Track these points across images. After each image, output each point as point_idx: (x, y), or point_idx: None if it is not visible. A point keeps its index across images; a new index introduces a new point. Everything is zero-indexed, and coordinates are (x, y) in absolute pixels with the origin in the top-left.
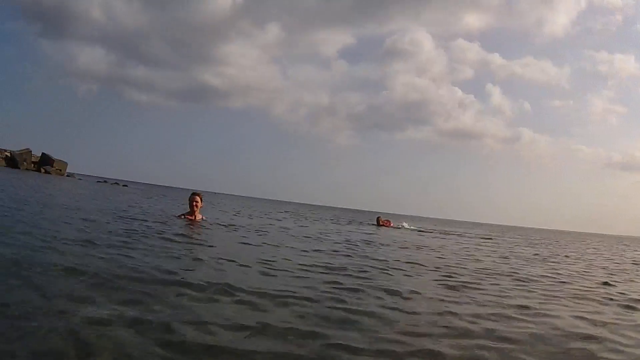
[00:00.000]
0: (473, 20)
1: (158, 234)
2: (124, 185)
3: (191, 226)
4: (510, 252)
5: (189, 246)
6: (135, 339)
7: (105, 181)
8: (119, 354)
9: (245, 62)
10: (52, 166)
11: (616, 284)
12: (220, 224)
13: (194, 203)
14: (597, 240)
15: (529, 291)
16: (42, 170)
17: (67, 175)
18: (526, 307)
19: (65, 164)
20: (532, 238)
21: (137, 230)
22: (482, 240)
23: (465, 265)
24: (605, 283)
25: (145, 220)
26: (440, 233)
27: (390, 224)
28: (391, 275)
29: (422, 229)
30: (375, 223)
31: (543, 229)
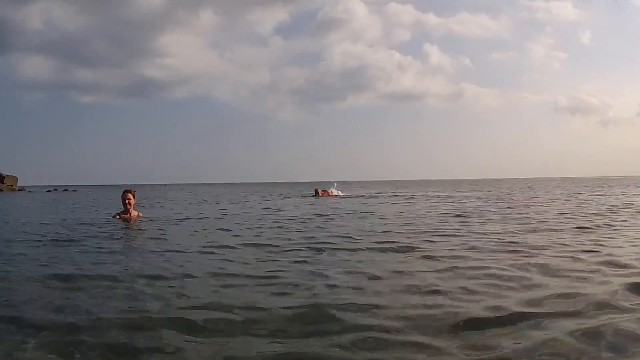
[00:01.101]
0: None
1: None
2: (73, 191)
3: (122, 226)
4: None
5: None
6: None
7: (55, 189)
8: None
9: (184, 50)
10: (3, 182)
11: None
12: (154, 220)
13: (127, 201)
14: (554, 184)
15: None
16: None
17: (19, 190)
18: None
19: (16, 178)
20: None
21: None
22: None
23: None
24: None
25: (79, 225)
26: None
27: (329, 194)
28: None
29: (348, 195)
30: (314, 194)
31: (500, 179)
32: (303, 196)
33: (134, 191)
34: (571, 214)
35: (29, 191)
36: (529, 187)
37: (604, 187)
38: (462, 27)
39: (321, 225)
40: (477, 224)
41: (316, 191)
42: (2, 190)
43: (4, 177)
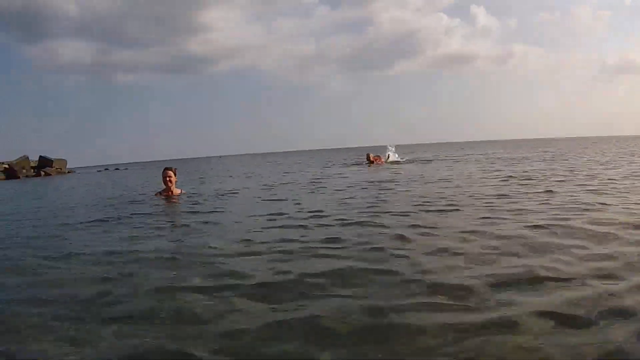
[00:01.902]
0: None
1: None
2: (125, 169)
3: (163, 204)
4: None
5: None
6: None
7: (106, 169)
8: None
9: (227, 25)
10: (52, 167)
11: None
12: (196, 195)
13: (167, 178)
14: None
15: None
16: (43, 173)
17: (68, 172)
18: None
19: (65, 161)
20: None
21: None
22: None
23: None
24: None
25: (121, 204)
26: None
27: (381, 161)
28: None
29: (405, 159)
30: (366, 160)
31: (553, 139)
32: (354, 163)
33: (175, 168)
34: None
35: (79, 173)
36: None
37: None
38: None
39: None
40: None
41: (367, 157)
42: (50, 175)
43: (52, 161)
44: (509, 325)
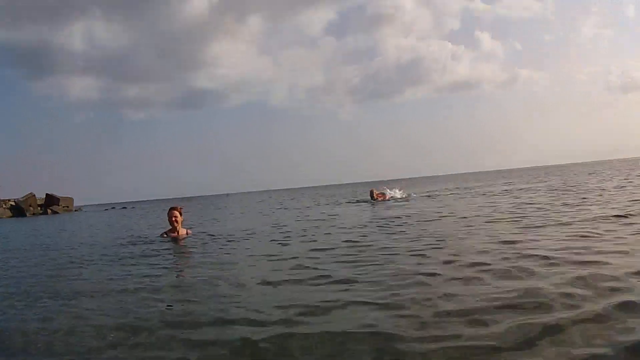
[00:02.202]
0: None
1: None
2: (132, 208)
3: (169, 245)
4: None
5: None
6: None
7: (113, 208)
8: None
9: (235, 59)
10: (59, 205)
11: None
12: (205, 235)
13: (173, 218)
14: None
15: None
16: (49, 211)
17: (75, 210)
18: None
19: (71, 199)
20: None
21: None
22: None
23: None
24: None
25: (123, 245)
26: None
27: (386, 197)
28: None
29: (413, 195)
30: (370, 197)
31: (561, 165)
32: (358, 201)
33: (181, 208)
34: None
35: (86, 211)
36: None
37: None
38: (509, 10)
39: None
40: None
41: (371, 193)
42: (57, 213)
43: (59, 199)
44: None
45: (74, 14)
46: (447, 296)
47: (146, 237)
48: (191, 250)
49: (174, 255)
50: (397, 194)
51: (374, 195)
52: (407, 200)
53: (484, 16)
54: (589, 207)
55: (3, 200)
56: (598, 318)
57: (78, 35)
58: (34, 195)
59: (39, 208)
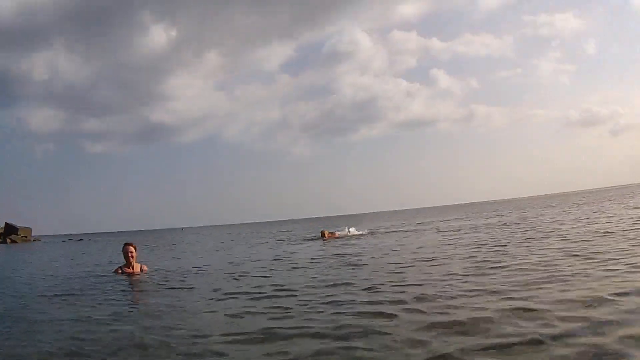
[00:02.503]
0: (407, 9)
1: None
2: (88, 240)
3: (124, 280)
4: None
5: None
6: None
7: (70, 239)
8: None
9: (191, 93)
10: (17, 234)
11: None
12: (159, 273)
13: (129, 254)
14: (577, 199)
15: None
16: (8, 241)
17: (34, 240)
18: None
19: (29, 229)
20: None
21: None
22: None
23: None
24: None
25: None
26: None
27: (335, 235)
28: None
29: (365, 232)
30: (321, 236)
31: (516, 199)
32: (310, 239)
33: (134, 245)
34: None
35: (44, 242)
36: (550, 206)
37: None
38: (467, 48)
39: None
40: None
41: (322, 234)
42: (16, 242)
43: (17, 229)
44: None
45: (36, 43)
46: None
47: (103, 273)
48: (144, 287)
49: (124, 292)
50: (348, 232)
51: (325, 235)
52: (358, 238)
53: (441, 54)
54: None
55: None
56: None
57: (40, 64)
58: None
59: None
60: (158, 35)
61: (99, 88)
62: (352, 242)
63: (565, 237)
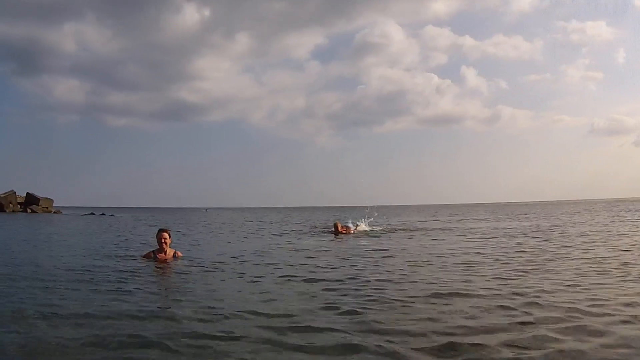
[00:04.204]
0: (440, 5)
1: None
2: (110, 215)
3: (155, 270)
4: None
5: None
6: None
7: (92, 213)
8: None
9: (219, 74)
10: (38, 205)
11: None
12: (189, 258)
13: (163, 240)
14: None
15: None
16: (29, 210)
17: (55, 212)
18: None
19: (51, 200)
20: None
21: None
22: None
23: None
24: None
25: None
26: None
27: (350, 231)
28: None
29: (375, 229)
30: (333, 230)
31: (536, 202)
32: (322, 232)
33: (169, 231)
34: None
35: (65, 214)
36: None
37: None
38: (497, 49)
39: None
40: None
41: (335, 227)
42: (37, 212)
43: (39, 199)
44: None
45: (67, 15)
46: None
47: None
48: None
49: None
50: (363, 226)
51: (339, 228)
52: (369, 235)
53: (472, 53)
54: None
55: None
56: None
57: (69, 36)
58: (15, 193)
59: (18, 206)
60: (190, 14)
61: (126, 63)
62: (371, 244)
63: None
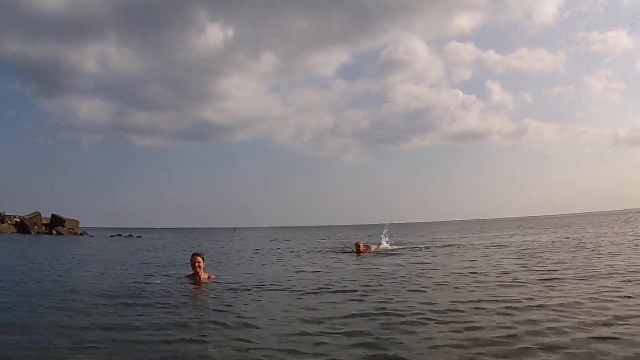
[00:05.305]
0: (463, 21)
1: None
2: (138, 237)
3: (191, 290)
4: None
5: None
6: None
7: (119, 234)
8: None
9: (244, 94)
10: (64, 226)
11: None
12: (224, 283)
13: (196, 264)
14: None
15: None
16: (54, 232)
17: (80, 234)
18: None
19: (77, 222)
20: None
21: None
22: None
23: None
24: None
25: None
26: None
27: (371, 249)
28: None
29: (399, 246)
30: (355, 250)
31: (564, 215)
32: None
33: (202, 255)
34: None
35: (91, 235)
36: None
37: None
38: (521, 62)
39: None
40: None
41: (357, 246)
42: (62, 234)
43: (64, 221)
44: None
45: (89, 35)
46: None
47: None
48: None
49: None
50: (384, 244)
51: (360, 248)
52: (391, 255)
53: (496, 67)
54: None
55: (8, 216)
56: None
57: (91, 56)
58: (39, 214)
59: (43, 227)
60: (214, 34)
61: (150, 83)
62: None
63: None
